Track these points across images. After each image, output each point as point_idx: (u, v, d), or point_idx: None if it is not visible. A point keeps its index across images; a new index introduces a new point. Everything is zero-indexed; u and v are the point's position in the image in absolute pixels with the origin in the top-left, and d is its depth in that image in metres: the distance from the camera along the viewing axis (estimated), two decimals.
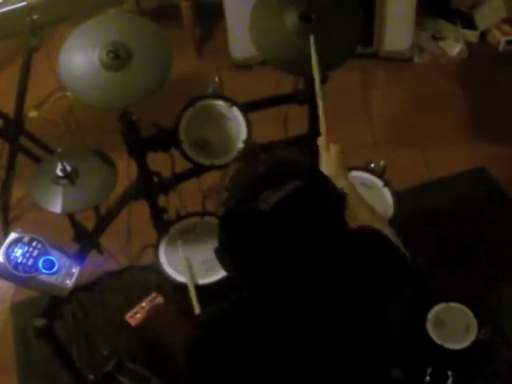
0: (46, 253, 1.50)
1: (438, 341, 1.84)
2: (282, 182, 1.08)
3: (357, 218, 1.38)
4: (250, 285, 1.17)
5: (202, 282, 1.83)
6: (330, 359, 1.17)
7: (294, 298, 1.13)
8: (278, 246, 1.07)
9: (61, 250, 1.55)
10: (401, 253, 1.31)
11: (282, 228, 1.06)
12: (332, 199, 1.13)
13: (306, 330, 1.14)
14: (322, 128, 1.66)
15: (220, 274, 1.83)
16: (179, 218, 2.02)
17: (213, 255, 1.84)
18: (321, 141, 1.64)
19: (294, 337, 1.14)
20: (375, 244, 1.28)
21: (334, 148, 1.59)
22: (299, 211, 1.07)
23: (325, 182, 1.15)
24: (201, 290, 1.82)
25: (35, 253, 1.49)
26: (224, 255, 1.18)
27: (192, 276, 1.84)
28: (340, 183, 1.38)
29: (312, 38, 1.75)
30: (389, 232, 1.39)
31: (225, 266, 1.20)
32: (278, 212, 1.05)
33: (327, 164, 1.57)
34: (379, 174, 1.96)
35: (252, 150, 1.19)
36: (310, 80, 1.98)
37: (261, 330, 1.14)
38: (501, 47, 3.31)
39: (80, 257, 1.78)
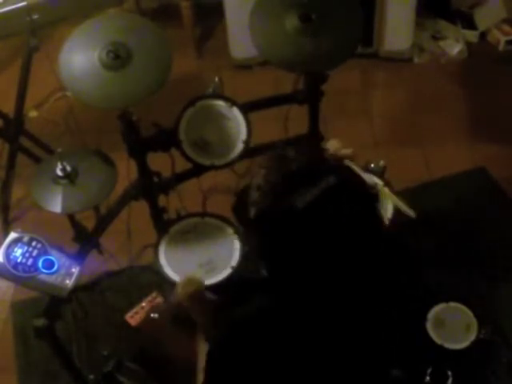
0: (45, 253, 1.50)
1: (438, 341, 1.84)
2: (315, 178, 1.08)
3: None
4: (282, 284, 1.16)
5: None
6: (334, 359, 1.17)
7: (322, 300, 1.13)
8: (314, 245, 1.07)
9: (61, 249, 1.55)
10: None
11: (317, 226, 1.06)
12: (365, 196, 1.13)
13: (323, 331, 1.14)
14: None
15: (220, 275, 1.83)
16: (179, 218, 2.02)
17: (213, 256, 1.85)
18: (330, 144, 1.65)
19: (310, 338, 1.14)
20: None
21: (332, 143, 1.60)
22: (334, 209, 1.07)
23: (357, 178, 1.17)
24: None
25: (35, 252, 1.49)
26: (257, 257, 1.17)
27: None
28: None
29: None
30: None
31: (257, 268, 1.19)
32: (313, 209, 1.05)
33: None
34: (379, 174, 1.96)
35: (282, 149, 1.19)
36: (310, 80, 1.99)
37: (283, 335, 1.14)
38: (501, 47, 3.31)
39: (80, 257, 1.78)
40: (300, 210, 1.05)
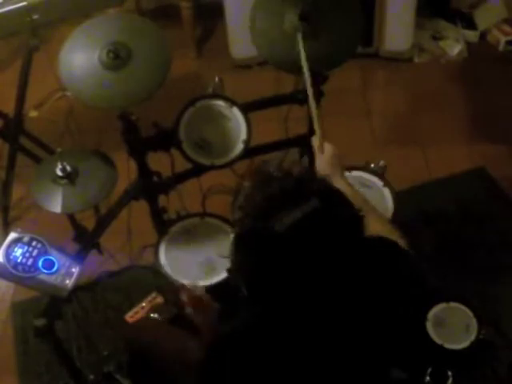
0: (45, 252, 1.50)
1: (438, 341, 1.83)
2: (298, 200, 1.06)
3: None
4: (262, 304, 1.16)
5: (202, 283, 1.83)
6: (333, 360, 1.17)
7: (306, 316, 1.13)
8: (293, 268, 1.06)
9: (61, 249, 1.55)
10: (416, 267, 1.31)
11: (297, 250, 1.05)
12: (349, 221, 1.11)
13: (313, 339, 1.15)
14: (316, 127, 1.65)
15: (220, 275, 1.83)
16: (179, 218, 2.02)
17: (213, 256, 1.85)
18: (315, 140, 1.63)
19: (301, 344, 1.14)
20: (391, 259, 1.28)
21: (327, 147, 1.58)
22: (315, 234, 1.06)
23: (342, 200, 1.14)
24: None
25: (35, 252, 1.49)
26: (237, 275, 1.16)
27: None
28: (336, 183, 1.36)
29: (300, 36, 1.73)
30: (394, 235, 1.39)
31: (237, 285, 1.18)
32: (293, 234, 1.04)
33: (322, 163, 1.56)
34: (379, 174, 1.96)
35: (265, 168, 1.18)
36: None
37: (272, 345, 1.14)
38: (501, 47, 3.31)
39: (80, 257, 1.78)
40: (279, 235, 1.03)
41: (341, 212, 1.11)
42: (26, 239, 1.49)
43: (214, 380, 1.17)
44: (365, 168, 1.98)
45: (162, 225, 2.07)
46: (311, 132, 2.06)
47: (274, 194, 1.08)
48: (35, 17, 2.22)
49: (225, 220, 1.96)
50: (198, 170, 1.98)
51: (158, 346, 1.55)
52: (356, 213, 1.13)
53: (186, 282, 1.82)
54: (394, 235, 1.40)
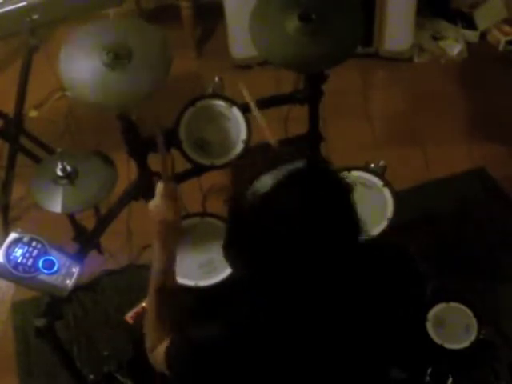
0: (45, 253, 1.50)
1: (438, 341, 1.84)
2: (282, 163, 1.05)
3: None
4: (258, 283, 1.14)
5: (202, 283, 1.82)
6: (333, 359, 1.17)
7: (306, 312, 1.12)
8: (279, 234, 1.02)
9: (61, 249, 1.55)
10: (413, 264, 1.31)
11: (280, 213, 1.01)
12: (336, 183, 1.08)
13: (313, 330, 1.14)
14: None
15: (221, 275, 1.83)
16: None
17: (213, 256, 1.85)
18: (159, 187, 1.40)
19: (301, 343, 1.14)
20: (392, 259, 1.27)
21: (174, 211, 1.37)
22: (299, 193, 1.02)
23: (326, 167, 1.12)
24: (201, 291, 1.81)
25: (35, 253, 1.49)
26: (229, 251, 1.14)
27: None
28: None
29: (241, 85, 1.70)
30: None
31: (231, 263, 1.17)
32: (276, 194, 1.01)
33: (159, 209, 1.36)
34: (379, 174, 1.96)
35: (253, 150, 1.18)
36: (310, 79, 1.99)
37: (272, 344, 1.13)
38: (501, 47, 3.31)
39: (80, 257, 1.78)
40: (262, 195, 1.01)
41: (326, 175, 1.09)
42: (26, 239, 1.49)
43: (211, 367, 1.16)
44: (365, 168, 1.98)
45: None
46: (311, 132, 2.07)
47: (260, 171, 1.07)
48: (35, 17, 2.22)
49: (225, 220, 1.96)
50: (198, 170, 1.98)
51: None
52: (343, 180, 1.10)
53: (186, 282, 1.82)
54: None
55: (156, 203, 1.32)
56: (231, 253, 1.14)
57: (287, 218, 1.01)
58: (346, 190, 1.09)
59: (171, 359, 1.22)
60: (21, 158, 2.54)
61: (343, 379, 1.19)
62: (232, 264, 1.17)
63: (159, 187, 1.35)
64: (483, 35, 3.38)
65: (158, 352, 1.27)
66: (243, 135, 1.90)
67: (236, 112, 1.91)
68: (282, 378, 1.14)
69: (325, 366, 1.16)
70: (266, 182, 1.03)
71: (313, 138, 2.12)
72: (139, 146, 1.88)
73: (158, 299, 1.31)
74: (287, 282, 1.08)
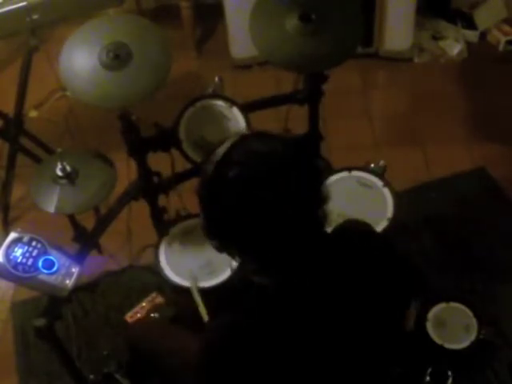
0: (45, 252, 1.50)
1: (438, 341, 1.84)
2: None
3: None
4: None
5: (203, 284, 1.82)
6: (334, 357, 1.17)
7: (306, 310, 1.13)
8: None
9: (61, 249, 1.55)
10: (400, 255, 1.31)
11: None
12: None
13: (313, 337, 1.14)
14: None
15: (222, 276, 1.82)
16: (179, 218, 2.02)
17: (213, 257, 1.84)
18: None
19: (301, 342, 1.14)
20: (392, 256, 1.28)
21: None
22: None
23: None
24: (202, 292, 1.81)
25: (35, 252, 1.48)
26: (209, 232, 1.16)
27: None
28: None
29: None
30: None
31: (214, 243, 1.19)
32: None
33: None
34: (379, 174, 1.96)
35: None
36: (310, 79, 1.99)
37: (271, 344, 1.13)
38: (501, 47, 3.31)
39: (80, 257, 1.78)
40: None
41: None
42: (25, 239, 1.49)
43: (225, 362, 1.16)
44: (365, 168, 1.98)
45: (162, 225, 2.07)
46: (311, 132, 2.07)
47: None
48: (35, 17, 2.22)
49: None
50: (198, 170, 1.98)
51: (159, 345, 1.55)
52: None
53: (186, 283, 1.82)
54: None
55: None
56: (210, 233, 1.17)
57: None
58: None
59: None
60: (21, 158, 2.54)
61: (343, 378, 1.20)
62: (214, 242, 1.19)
63: None
64: (483, 35, 3.38)
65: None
66: None
67: (236, 112, 1.91)
68: (285, 373, 1.14)
69: (325, 365, 1.16)
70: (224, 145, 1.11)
71: (313, 138, 2.11)
72: (139, 146, 1.88)
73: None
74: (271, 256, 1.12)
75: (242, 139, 1.12)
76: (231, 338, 1.15)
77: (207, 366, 1.17)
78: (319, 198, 1.14)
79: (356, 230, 1.28)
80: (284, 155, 1.09)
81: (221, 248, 1.17)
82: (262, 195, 1.05)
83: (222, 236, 1.15)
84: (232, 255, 1.19)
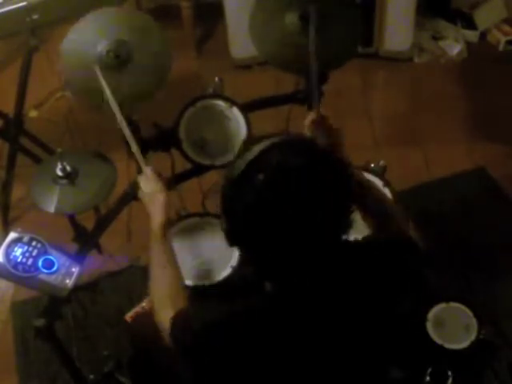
0: (45, 252, 1.50)
1: (438, 341, 1.83)
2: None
3: None
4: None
5: (202, 283, 1.82)
6: (334, 357, 1.17)
7: (308, 309, 1.14)
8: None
9: (60, 249, 1.55)
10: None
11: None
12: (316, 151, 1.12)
13: (313, 336, 1.15)
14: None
15: (221, 274, 1.83)
16: (179, 218, 2.02)
17: (213, 256, 1.84)
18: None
19: (301, 341, 1.14)
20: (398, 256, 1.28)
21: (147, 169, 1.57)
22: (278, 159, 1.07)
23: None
24: (202, 291, 1.81)
25: (35, 252, 1.48)
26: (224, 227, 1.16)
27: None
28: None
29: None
30: None
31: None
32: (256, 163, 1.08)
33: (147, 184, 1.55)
34: (379, 174, 1.96)
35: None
36: (310, 79, 1.99)
37: (271, 343, 1.14)
38: (501, 47, 3.31)
39: (80, 257, 1.78)
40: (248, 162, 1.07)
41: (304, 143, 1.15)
42: (25, 239, 1.49)
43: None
44: (365, 168, 1.98)
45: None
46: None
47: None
48: (35, 17, 2.22)
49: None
50: (198, 170, 1.98)
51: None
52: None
53: (186, 282, 1.82)
54: None
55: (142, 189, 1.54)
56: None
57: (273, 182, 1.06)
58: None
59: (178, 331, 1.23)
60: (21, 158, 2.54)
61: (343, 378, 1.20)
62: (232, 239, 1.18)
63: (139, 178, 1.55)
64: (483, 35, 3.38)
65: (163, 319, 1.29)
66: (243, 135, 1.90)
67: (236, 112, 1.91)
68: (283, 373, 1.14)
69: (324, 365, 1.16)
70: (254, 149, 1.09)
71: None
72: (139, 146, 1.88)
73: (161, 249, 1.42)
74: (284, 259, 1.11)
75: (276, 145, 1.10)
76: (226, 329, 1.16)
77: (196, 350, 1.18)
78: (344, 223, 1.12)
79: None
80: (313, 172, 1.08)
81: (232, 244, 1.18)
82: (284, 208, 1.05)
83: (237, 236, 1.15)
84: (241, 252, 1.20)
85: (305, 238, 1.07)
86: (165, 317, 1.28)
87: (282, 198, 1.05)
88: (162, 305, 1.34)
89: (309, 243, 1.08)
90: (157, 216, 1.46)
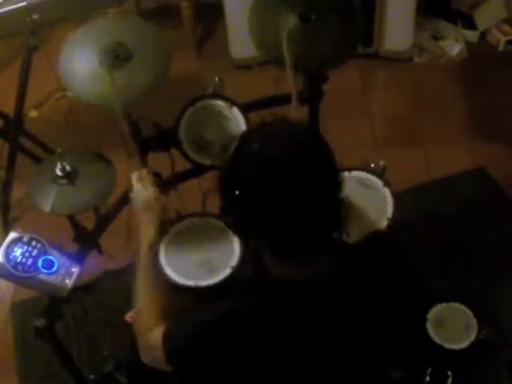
0: (45, 252, 1.50)
1: (438, 341, 1.83)
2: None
3: None
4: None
5: (202, 283, 1.82)
6: (334, 357, 1.17)
7: (307, 308, 1.14)
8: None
9: (60, 249, 1.55)
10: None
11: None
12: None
13: (314, 328, 1.15)
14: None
15: (221, 275, 1.83)
16: (179, 218, 2.02)
17: (213, 256, 1.84)
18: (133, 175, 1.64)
19: (300, 340, 1.14)
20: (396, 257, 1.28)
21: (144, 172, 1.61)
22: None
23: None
24: (202, 291, 1.81)
25: (35, 252, 1.49)
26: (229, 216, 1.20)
27: None
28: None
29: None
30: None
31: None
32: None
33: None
34: (379, 174, 1.96)
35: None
36: (310, 79, 1.99)
37: (270, 343, 1.14)
38: (501, 47, 3.31)
39: (80, 257, 1.78)
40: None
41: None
42: (25, 239, 1.49)
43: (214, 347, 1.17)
44: (365, 168, 1.98)
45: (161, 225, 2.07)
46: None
47: None
48: (35, 17, 2.22)
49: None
50: (198, 170, 1.98)
51: None
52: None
53: (186, 282, 1.82)
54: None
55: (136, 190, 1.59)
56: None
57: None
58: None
59: (172, 342, 1.23)
60: (21, 158, 2.55)
61: (343, 378, 1.20)
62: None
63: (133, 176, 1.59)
64: (483, 35, 3.38)
65: (153, 336, 1.30)
66: None
67: (236, 112, 1.91)
68: (282, 374, 1.14)
69: (324, 365, 1.16)
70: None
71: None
72: (139, 146, 1.88)
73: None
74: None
75: (262, 124, 1.15)
76: (227, 323, 1.16)
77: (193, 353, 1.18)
78: (335, 182, 1.14)
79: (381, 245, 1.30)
80: (301, 142, 1.11)
81: (235, 227, 1.22)
82: (278, 174, 1.07)
83: (238, 214, 1.18)
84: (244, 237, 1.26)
85: (300, 214, 1.08)
86: (153, 332, 1.31)
87: (273, 167, 1.08)
88: (148, 315, 1.35)
89: (304, 223, 1.09)
90: (147, 236, 1.55)
